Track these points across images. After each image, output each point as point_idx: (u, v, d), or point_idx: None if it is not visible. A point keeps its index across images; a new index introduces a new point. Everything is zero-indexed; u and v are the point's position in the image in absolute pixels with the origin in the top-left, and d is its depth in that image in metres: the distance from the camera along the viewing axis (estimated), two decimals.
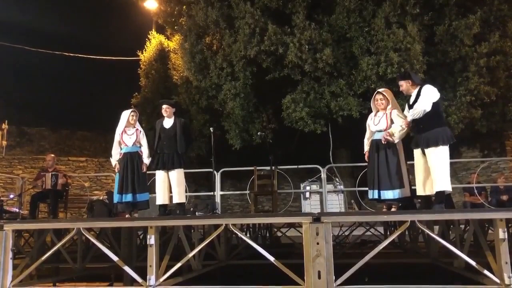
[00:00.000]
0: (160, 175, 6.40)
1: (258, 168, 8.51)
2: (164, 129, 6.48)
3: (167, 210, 6.58)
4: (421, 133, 5.18)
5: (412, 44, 9.76)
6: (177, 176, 6.34)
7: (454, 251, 4.31)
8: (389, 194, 5.40)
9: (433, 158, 5.05)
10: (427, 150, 5.11)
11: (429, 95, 5.11)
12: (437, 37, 10.36)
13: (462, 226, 6.89)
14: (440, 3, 10.44)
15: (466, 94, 10.30)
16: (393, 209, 5.44)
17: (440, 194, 5.02)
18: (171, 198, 6.47)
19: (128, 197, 6.29)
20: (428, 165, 5.12)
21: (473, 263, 4.11)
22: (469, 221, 5.57)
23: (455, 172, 13.75)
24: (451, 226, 6.43)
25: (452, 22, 10.17)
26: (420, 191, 5.28)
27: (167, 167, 6.34)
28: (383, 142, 5.38)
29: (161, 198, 6.38)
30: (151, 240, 4.38)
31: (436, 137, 5.04)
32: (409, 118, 5.15)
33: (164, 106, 6.54)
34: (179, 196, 6.33)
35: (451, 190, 5.13)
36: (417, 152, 5.30)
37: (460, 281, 4.93)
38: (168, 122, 6.53)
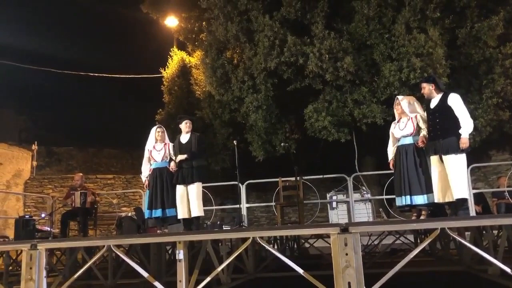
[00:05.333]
0: (179, 189, 6.47)
1: (283, 179, 8.50)
2: (181, 145, 6.59)
3: (192, 224, 6.64)
4: (438, 139, 5.13)
5: (434, 48, 9.64)
6: (195, 190, 6.41)
7: (487, 257, 4.20)
8: (420, 199, 5.34)
9: (453, 165, 5.00)
10: (446, 157, 5.05)
11: (463, 104, 5.13)
12: (460, 40, 10.20)
13: (495, 232, 6.72)
14: (461, 5, 10.29)
15: (493, 96, 10.10)
16: (422, 217, 5.36)
17: (462, 201, 4.97)
18: None
19: (158, 213, 6.40)
20: (447, 172, 5.05)
21: (508, 270, 3.99)
22: (502, 227, 5.43)
23: (485, 176, 13.42)
24: (483, 232, 6.28)
25: (475, 24, 10.01)
26: (438, 199, 5.20)
27: (187, 182, 6.42)
28: (419, 145, 5.36)
29: (182, 212, 6.44)
30: (180, 255, 4.41)
31: (456, 144, 4.99)
32: (467, 135, 5.01)
33: (187, 121, 6.67)
34: (198, 209, 6.40)
35: (468, 197, 5.09)
36: (434, 159, 5.24)
37: None
38: (184, 138, 6.66)
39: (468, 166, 8.67)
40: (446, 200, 5.16)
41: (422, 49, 9.69)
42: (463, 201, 4.99)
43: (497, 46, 10.16)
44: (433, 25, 9.92)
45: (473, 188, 8.87)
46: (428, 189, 5.31)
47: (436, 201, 5.23)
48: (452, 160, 5.00)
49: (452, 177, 4.99)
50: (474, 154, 11.11)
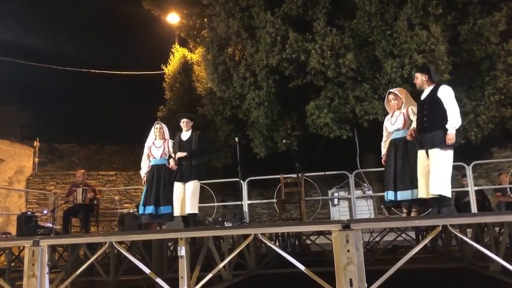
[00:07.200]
0: (177, 187, 6.44)
1: (284, 176, 8.50)
2: (182, 142, 6.56)
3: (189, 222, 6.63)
4: (425, 132, 4.95)
5: (436, 45, 9.61)
6: (192, 187, 6.37)
7: (489, 254, 4.19)
8: (405, 195, 5.24)
9: (438, 159, 4.80)
10: (431, 151, 4.86)
11: (453, 98, 4.90)
12: (462, 36, 10.17)
13: (497, 229, 6.72)
14: (463, 1, 10.24)
15: (495, 93, 10.08)
16: (413, 213, 5.29)
17: (445, 198, 4.79)
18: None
19: (150, 209, 6.36)
20: (430, 166, 4.87)
21: (509, 266, 3.99)
22: (504, 224, 5.43)
23: (487, 173, 13.42)
24: (485, 229, 6.27)
25: (477, 20, 9.98)
26: (422, 194, 5.02)
27: (185, 179, 6.40)
28: (408, 138, 5.26)
29: (179, 210, 6.42)
30: (182, 251, 4.42)
31: (442, 139, 4.77)
32: (453, 130, 4.76)
33: (184, 120, 6.63)
34: (192, 206, 6.32)
35: (450, 196, 4.90)
36: (421, 154, 5.07)
37: (497, 286, 4.80)
38: (185, 135, 6.61)
39: (470, 163, 8.71)
40: (430, 196, 4.93)
41: (424, 45, 9.66)
42: (448, 198, 4.82)
43: (500, 43, 10.12)
44: (435, 22, 9.88)
45: (475, 185, 8.84)
46: (416, 184, 5.15)
47: (419, 196, 5.07)
48: (437, 155, 4.80)
49: (434, 172, 4.79)
50: (476, 151, 11.10)
